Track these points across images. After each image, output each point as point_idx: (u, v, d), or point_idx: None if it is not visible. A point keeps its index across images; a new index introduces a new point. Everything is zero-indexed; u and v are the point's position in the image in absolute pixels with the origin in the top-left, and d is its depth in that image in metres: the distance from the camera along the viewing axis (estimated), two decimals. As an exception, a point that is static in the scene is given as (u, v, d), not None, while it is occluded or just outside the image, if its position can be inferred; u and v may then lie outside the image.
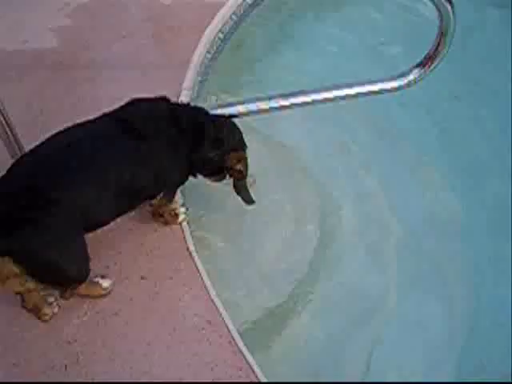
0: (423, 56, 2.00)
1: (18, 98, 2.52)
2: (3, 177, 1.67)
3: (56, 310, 1.84)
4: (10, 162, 2.02)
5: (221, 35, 2.92)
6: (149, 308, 1.86)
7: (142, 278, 1.93)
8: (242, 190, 2.01)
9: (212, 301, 1.88)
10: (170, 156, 1.86)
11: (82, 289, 1.83)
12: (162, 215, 2.05)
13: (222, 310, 1.86)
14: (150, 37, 2.85)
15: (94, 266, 1.93)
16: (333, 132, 2.68)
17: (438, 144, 2.75)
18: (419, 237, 2.46)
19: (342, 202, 2.50)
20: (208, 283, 1.92)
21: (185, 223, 2.08)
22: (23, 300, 1.82)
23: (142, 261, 1.98)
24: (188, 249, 2.00)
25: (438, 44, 1.93)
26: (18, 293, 1.77)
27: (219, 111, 2.10)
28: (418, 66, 2.01)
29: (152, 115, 1.85)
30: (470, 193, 2.55)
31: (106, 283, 1.90)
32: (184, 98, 2.47)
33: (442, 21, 1.86)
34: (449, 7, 1.81)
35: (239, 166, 1.96)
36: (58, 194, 1.63)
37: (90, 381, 1.72)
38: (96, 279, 1.89)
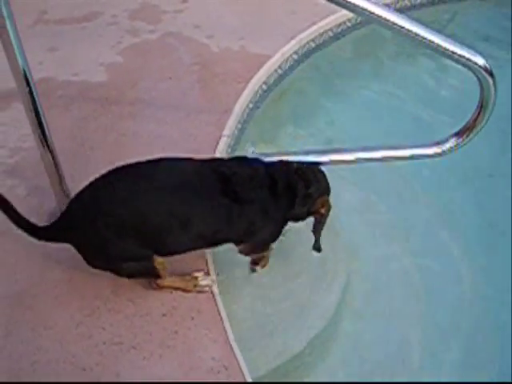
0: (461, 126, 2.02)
1: (62, 128, 2.60)
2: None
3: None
4: (49, 187, 2.11)
5: (264, 86, 3.00)
6: (167, 345, 1.87)
7: (164, 315, 1.95)
8: (319, 231, 2.08)
9: (230, 345, 1.87)
10: (261, 220, 1.94)
11: (175, 282, 1.97)
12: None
13: (239, 355, 1.86)
14: (196, 81, 2.93)
15: (118, 297, 1.98)
16: (361, 191, 2.69)
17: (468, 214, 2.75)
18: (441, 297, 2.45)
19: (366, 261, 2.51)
20: (228, 327, 1.92)
21: (211, 266, 2.10)
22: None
23: (165, 298, 1.99)
24: (212, 291, 2.01)
25: (478, 115, 1.95)
26: None
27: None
28: (455, 135, 2.03)
29: (253, 180, 1.91)
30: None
31: (204, 281, 1.98)
32: (223, 145, 2.52)
33: (482, 92, 1.88)
34: (490, 80, 1.84)
35: (323, 210, 2.04)
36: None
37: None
38: (196, 274, 2.01)
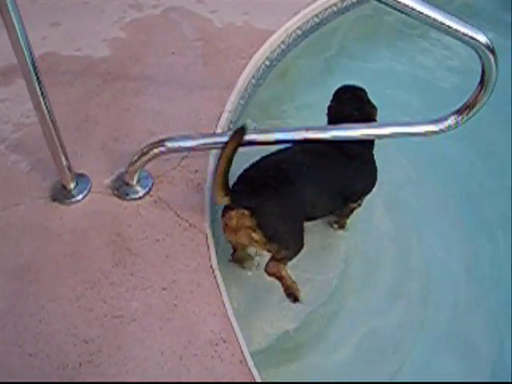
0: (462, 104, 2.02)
1: (65, 103, 2.62)
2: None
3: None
4: (52, 162, 2.13)
5: (267, 62, 2.99)
6: (166, 318, 1.90)
7: (164, 288, 1.98)
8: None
9: (228, 319, 1.90)
10: (365, 171, 2.30)
11: (284, 271, 2.06)
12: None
13: (237, 329, 1.89)
14: (199, 56, 2.92)
15: (120, 271, 2.01)
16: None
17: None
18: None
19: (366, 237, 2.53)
20: (226, 301, 1.95)
21: (211, 241, 2.13)
22: (234, 252, 2.23)
23: (165, 272, 2.02)
24: (211, 266, 2.04)
25: (479, 93, 1.95)
26: (235, 245, 2.19)
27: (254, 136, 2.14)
28: (455, 112, 2.02)
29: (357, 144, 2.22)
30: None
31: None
32: (224, 120, 2.54)
33: (483, 70, 1.88)
34: (491, 57, 1.83)
35: None
36: (297, 178, 2.06)
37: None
38: None
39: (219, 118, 2.54)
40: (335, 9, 3.40)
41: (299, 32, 3.20)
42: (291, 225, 2.05)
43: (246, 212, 1.95)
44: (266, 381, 1.84)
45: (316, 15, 3.29)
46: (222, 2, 3.29)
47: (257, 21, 3.15)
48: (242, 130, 1.86)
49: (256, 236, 1.98)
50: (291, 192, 2.03)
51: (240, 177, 2.06)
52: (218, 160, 1.87)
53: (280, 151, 2.16)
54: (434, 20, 1.76)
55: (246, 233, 1.99)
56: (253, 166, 2.10)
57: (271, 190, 1.99)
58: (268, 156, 2.12)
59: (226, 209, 1.99)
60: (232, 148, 1.85)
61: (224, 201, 1.95)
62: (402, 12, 1.77)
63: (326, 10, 3.34)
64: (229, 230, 2.02)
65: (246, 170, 2.08)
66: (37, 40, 2.85)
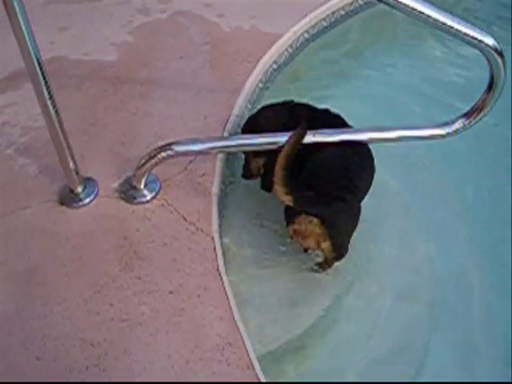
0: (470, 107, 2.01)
1: (73, 106, 2.63)
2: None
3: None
4: (59, 165, 2.14)
5: (275, 66, 3.00)
6: (173, 322, 1.90)
7: (171, 292, 1.98)
8: None
9: (235, 323, 1.90)
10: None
11: None
12: None
13: (244, 333, 1.88)
14: (207, 61, 2.93)
15: (127, 274, 2.01)
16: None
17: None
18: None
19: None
20: (234, 305, 1.95)
21: (219, 245, 2.12)
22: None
23: (172, 276, 2.02)
24: (218, 269, 2.04)
25: (487, 96, 1.94)
26: (306, 249, 2.23)
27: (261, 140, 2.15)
28: (463, 116, 2.02)
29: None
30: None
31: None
32: (231, 124, 2.54)
33: (491, 73, 1.87)
34: (499, 60, 1.82)
35: None
36: (359, 183, 2.09)
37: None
38: None
39: (227, 122, 2.54)
40: (342, 12, 3.40)
41: (307, 36, 3.20)
42: (352, 233, 2.14)
43: (316, 220, 2.01)
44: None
45: (323, 19, 3.29)
46: (230, 6, 3.29)
47: (264, 25, 3.15)
48: (304, 127, 1.92)
49: (324, 245, 2.06)
50: (356, 200, 2.11)
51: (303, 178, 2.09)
52: (277, 156, 1.92)
53: (326, 154, 2.14)
54: (443, 24, 1.76)
55: (315, 240, 2.06)
56: (311, 165, 2.11)
57: (339, 199, 2.01)
58: (321, 157, 2.13)
59: (294, 213, 2.05)
60: (293, 144, 1.91)
61: (287, 199, 1.97)
62: (410, 15, 1.77)
63: (333, 13, 3.34)
64: (297, 235, 2.08)
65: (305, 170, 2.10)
66: (45, 44, 2.86)
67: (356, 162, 2.13)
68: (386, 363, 2.16)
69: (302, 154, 2.04)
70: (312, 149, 2.10)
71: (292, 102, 2.37)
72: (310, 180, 2.08)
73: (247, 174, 2.38)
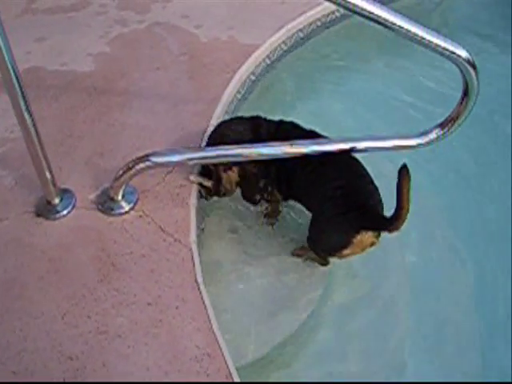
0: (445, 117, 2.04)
1: (50, 117, 2.63)
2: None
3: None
4: (37, 177, 2.12)
5: (252, 77, 3.02)
6: (152, 334, 1.89)
7: (149, 304, 1.97)
8: None
9: (214, 334, 1.89)
10: None
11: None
12: None
13: (222, 344, 1.88)
14: (184, 71, 2.93)
15: (104, 286, 2.00)
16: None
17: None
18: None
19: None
20: (212, 316, 1.94)
21: (196, 255, 2.12)
22: None
23: (150, 287, 2.01)
24: (196, 280, 2.03)
25: (460, 106, 1.97)
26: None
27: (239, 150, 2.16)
28: (438, 126, 2.04)
29: None
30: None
31: None
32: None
33: (465, 84, 1.90)
34: (472, 72, 1.85)
35: None
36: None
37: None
38: None
39: (205, 132, 2.53)
40: (319, 23, 3.43)
41: (284, 47, 3.23)
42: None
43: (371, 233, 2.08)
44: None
45: (300, 30, 3.32)
46: (207, 18, 3.31)
47: (242, 36, 3.17)
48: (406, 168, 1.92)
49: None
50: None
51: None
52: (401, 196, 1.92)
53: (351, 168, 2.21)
54: (415, 35, 1.78)
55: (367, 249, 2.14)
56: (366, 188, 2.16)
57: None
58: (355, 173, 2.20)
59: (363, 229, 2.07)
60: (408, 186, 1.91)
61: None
62: (384, 26, 1.79)
63: (310, 24, 3.37)
64: (357, 247, 2.11)
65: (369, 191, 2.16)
66: (21, 55, 2.85)
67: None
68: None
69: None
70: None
71: (259, 117, 2.38)
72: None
73: (220, 192, 2.35)
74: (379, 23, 1.79)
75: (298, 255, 2.36)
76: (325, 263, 2.33)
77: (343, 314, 2.32)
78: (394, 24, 1.78)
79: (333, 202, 2.12)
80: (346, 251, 2.13)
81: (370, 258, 2.31)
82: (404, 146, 2.16)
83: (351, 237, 2.07)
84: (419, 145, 2.12)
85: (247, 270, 2.29)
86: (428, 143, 2.11)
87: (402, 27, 1.78)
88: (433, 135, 2.08)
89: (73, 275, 2.05)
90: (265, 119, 2.36)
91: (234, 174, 2.30)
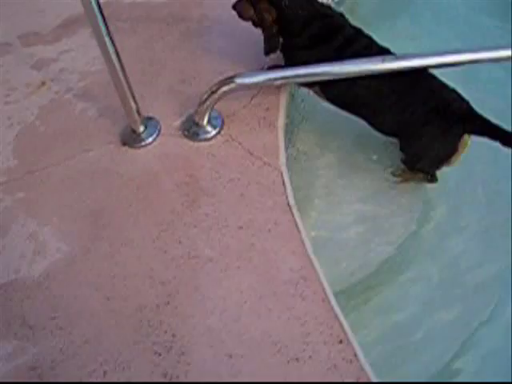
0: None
1: (129, 49, 2.56)
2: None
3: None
4: (120, 107, 2.08)
5: (335, -1, 2.86)
6: (244, 258, 1.83)
7: (240, 227, 1.91)
8: None
9: (309, 257, 1.82)
10: None
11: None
12: None
13: (318, 267, 1.80)
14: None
15: (194, 212, 1.95)
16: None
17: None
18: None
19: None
20: (306, 239, 1.86)
21: (287, 179, 2.03)
22: None
23: (241, 211, 1.95)
24: (289, 203, 1.95)
25: None
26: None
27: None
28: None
29: None
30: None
31: None
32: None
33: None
34: None
35: None
36: None
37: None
38: None
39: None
40: None
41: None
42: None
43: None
44: (349, 318, 1.74)
45: None
46: None
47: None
48: None
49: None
50: None
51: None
52: None
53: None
54: None
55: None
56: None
57: None
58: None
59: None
60: None
61: None
62: None
63: None
64: (461, 149, 2.12)
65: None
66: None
67: None
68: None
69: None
70: None
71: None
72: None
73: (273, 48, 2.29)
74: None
75: (401, 177, 2.32)
76: (433, 179, 2.29)
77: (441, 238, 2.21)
78: None
79: (431, 124, 2.09)
80: (453, 157, 2.14)
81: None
82: (497, 57, 1.98)
83: (457, 143, 2.09)
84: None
85: (341, 192, 2.19)
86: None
87: None
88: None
89: (161, 201, 2.01)
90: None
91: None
